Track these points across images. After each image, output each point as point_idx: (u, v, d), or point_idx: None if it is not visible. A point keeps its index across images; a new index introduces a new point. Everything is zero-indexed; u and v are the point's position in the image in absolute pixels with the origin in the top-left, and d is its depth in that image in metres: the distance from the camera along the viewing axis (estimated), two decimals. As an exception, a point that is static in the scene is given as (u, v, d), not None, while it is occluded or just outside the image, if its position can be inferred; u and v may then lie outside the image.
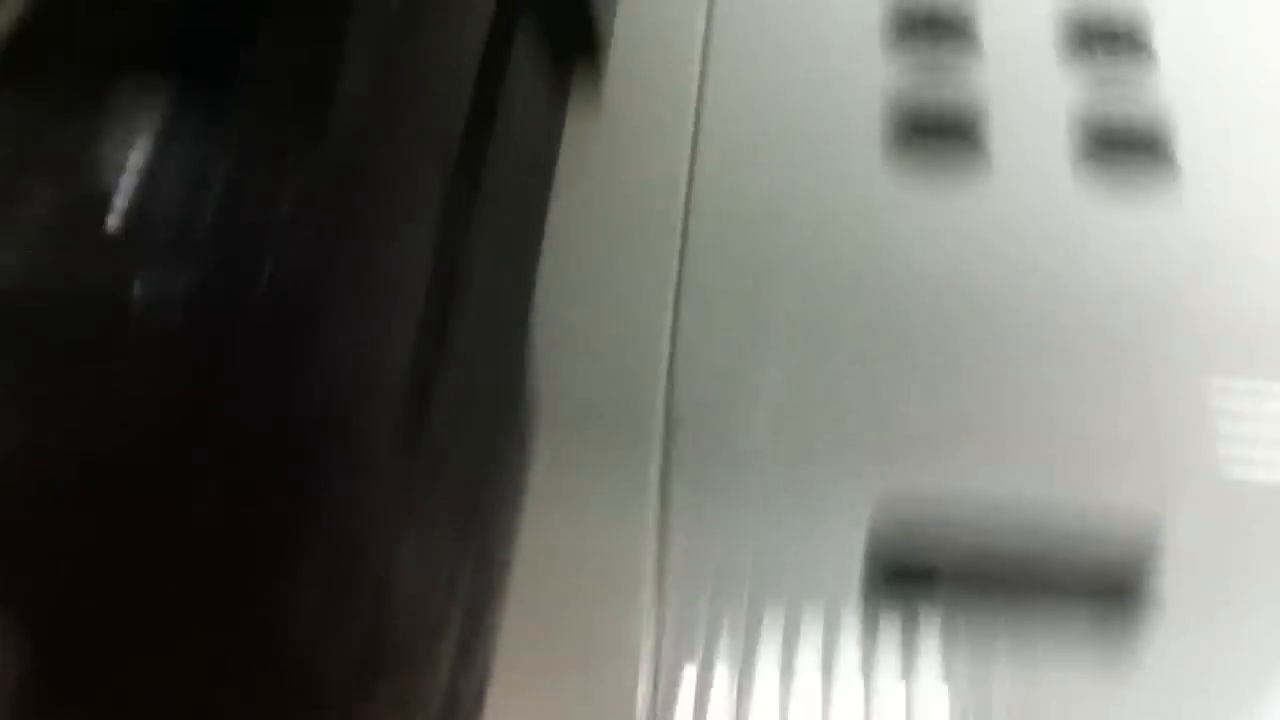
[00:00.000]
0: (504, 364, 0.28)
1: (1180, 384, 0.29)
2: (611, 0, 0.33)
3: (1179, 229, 0.31)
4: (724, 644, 0.26)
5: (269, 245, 0.23)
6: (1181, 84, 0.34)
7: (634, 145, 0.32)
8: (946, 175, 0.32)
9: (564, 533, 0.27)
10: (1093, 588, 0.27)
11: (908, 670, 0.26)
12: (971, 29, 0.35)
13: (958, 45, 0.35)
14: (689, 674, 0.26)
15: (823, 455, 0.28)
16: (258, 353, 0.22)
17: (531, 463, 0.28)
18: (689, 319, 0.30)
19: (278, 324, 0.23)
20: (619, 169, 0.32)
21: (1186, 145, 0.33)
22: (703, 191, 0.32)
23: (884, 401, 0.29)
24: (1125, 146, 0.33)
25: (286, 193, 0.24)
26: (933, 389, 0.29)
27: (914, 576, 0.27)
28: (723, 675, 0.26)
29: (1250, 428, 0.29)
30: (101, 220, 0.23)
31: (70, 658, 0.21)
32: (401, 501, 0.23)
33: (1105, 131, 0.33)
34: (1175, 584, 0.27)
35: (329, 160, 0.25)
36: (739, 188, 0.32)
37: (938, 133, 0.33)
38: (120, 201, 0.23)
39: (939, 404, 0.29)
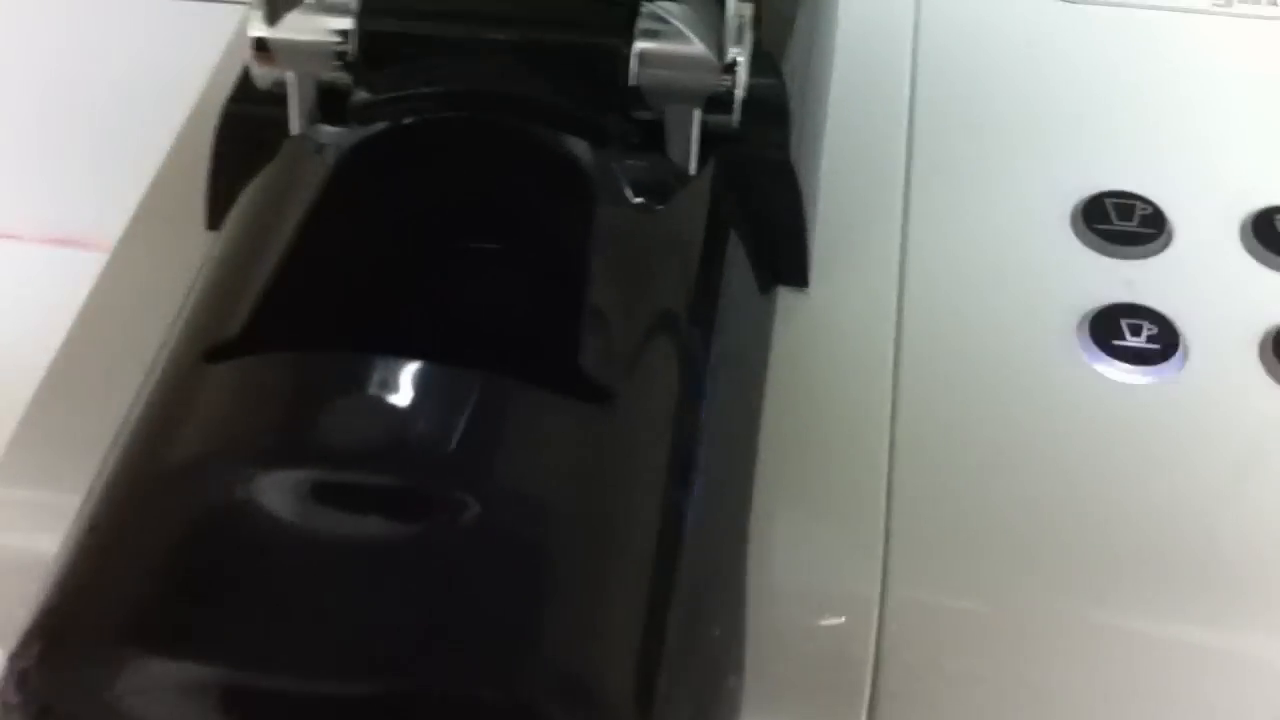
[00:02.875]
0: (727, 589, 0.27)
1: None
2: (814, 202, 0.34)
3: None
4: None
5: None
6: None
7: (839, 350, 0.32)
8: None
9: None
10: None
11: None
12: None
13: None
14: None
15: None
16: (490, 607, 0.22)
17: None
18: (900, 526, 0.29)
19: (512, 575, 0.22)
20: (825, 376, 0.32)
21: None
22: (907, 393, 0.31)
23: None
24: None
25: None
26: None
27: None
28: None
29: None
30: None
31: None
32: None
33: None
34: None
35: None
36: (941, 387, 0.32)
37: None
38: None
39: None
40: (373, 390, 0.24)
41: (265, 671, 0.21)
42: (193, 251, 0.30)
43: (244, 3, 0.30)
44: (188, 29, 0.50)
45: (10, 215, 0.45)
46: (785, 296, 0.33)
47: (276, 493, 0.22)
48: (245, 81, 0.31)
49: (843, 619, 0.28)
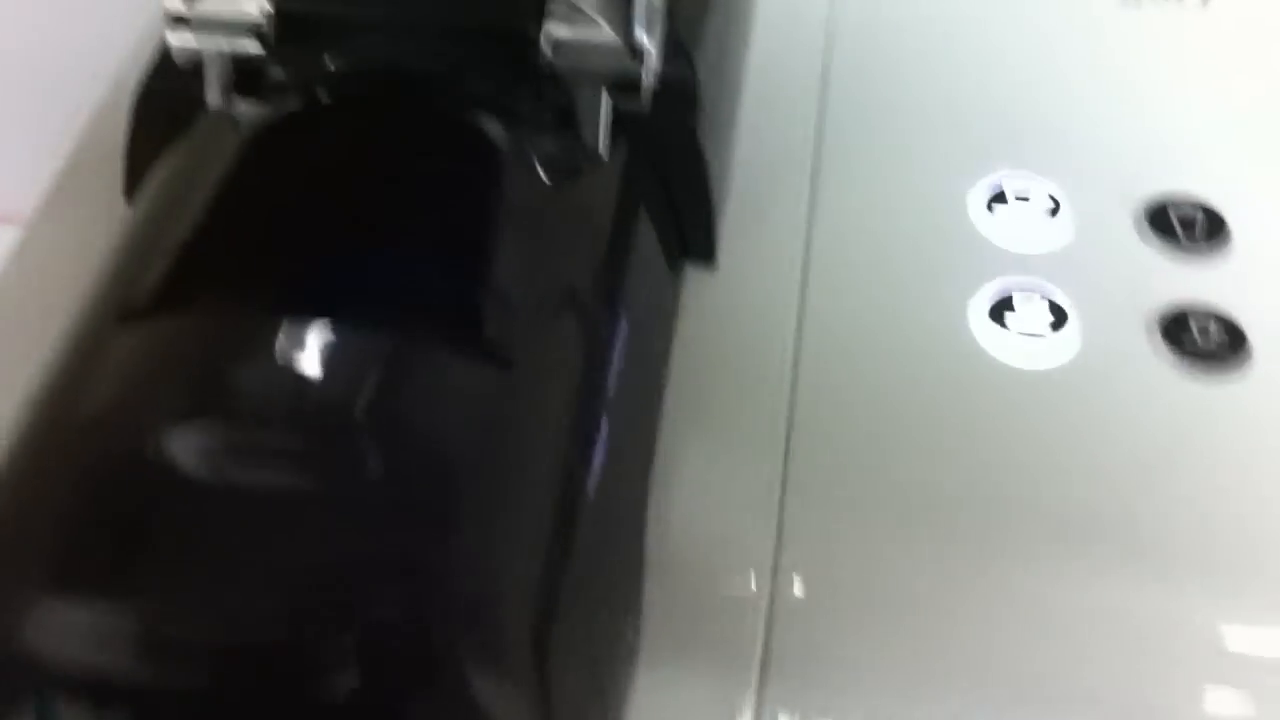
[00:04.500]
0: (626, 540, 0.28)
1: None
2: (723, 183, 0.35)
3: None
4: None
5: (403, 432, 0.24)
6: None
7: (743, 325, 0.33)
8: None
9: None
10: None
11: None
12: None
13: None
14: None
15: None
16: (394, 547, 0.22)
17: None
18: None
19: (414, 517, 0.23)
20: (729, 350, 0.33)
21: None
22: (808, 364, 0.32)
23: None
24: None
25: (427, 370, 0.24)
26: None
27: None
28: None
29: None
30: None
31: None
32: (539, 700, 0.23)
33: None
34: None
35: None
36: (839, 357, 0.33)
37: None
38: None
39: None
40: (279, 349, 0.24)
41: (173, 618, 0.21)
42: (109, 223, 0.30)
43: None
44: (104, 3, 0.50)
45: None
46: (693, 275, 0.34)
47: (182, 446, 0.23)
48: (163, 57, 0.32)
49: (738, 578, 0.29)
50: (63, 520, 0.23)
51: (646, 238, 0.32)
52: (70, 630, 0.22)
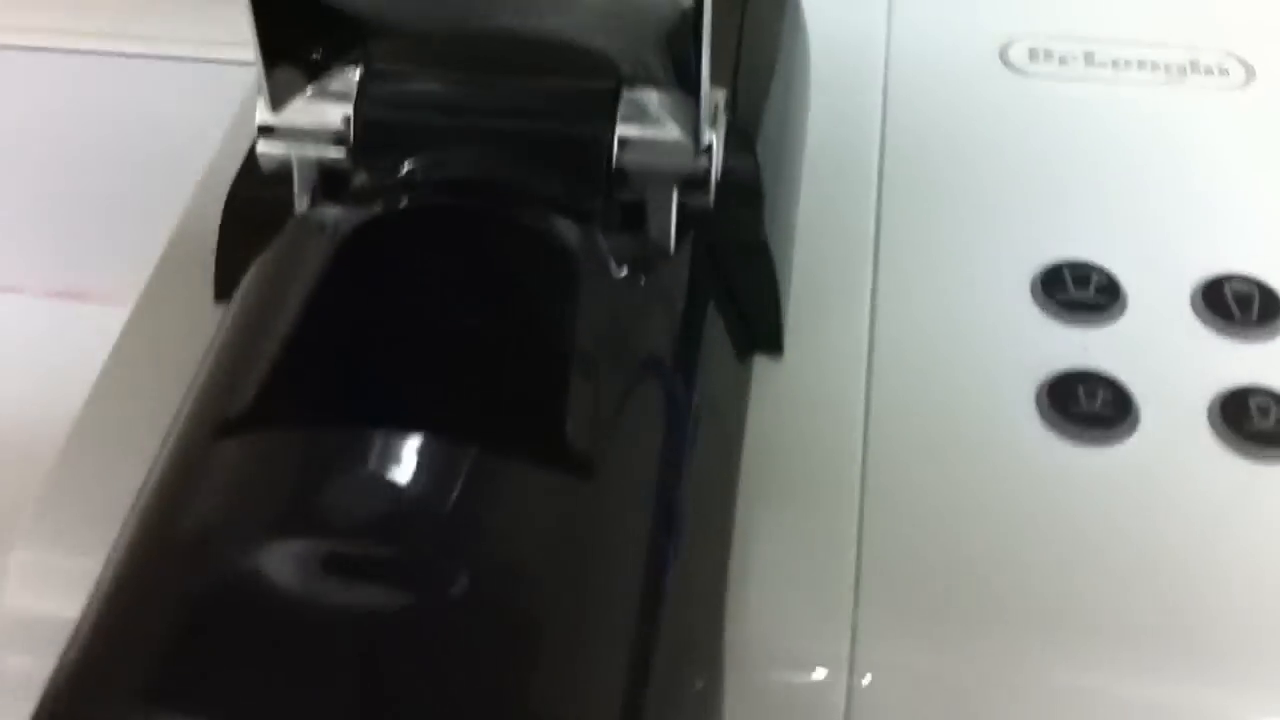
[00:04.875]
0: (706, 643, 0.29)
1: None
2: (787, 272, 0.36)
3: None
4: None
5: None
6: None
7: (812, 413, 0.34)
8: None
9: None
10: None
11: None
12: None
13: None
14: None
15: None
16: (488, 674, 0.23)
17: None
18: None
19: (506, 641, 0.24)
20: (798, 439, 0.34)
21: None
22: (876, 455, 0.33)
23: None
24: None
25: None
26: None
27: None
28: None
29: None
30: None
31: None
32: None
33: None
34: None
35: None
36: (909, 451, 0.33)
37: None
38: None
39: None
40: (369, 466, 0.25)
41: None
42: (206, 319, 0.32)
43: (250, 64, 0.32)
44: (193, 88, 0.52)
45: (14, 270, 0.47)
46: (761, 363, 0.35)
47: (280, 563, 0.24)
48: (250, 161, 0.33)
49: (815, 675, 0.30)
50: (162, 638, 0.24)
51: (716, 330, 0.33)
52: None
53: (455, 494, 0.25)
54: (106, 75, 0.54)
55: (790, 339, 0.35)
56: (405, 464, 0.25)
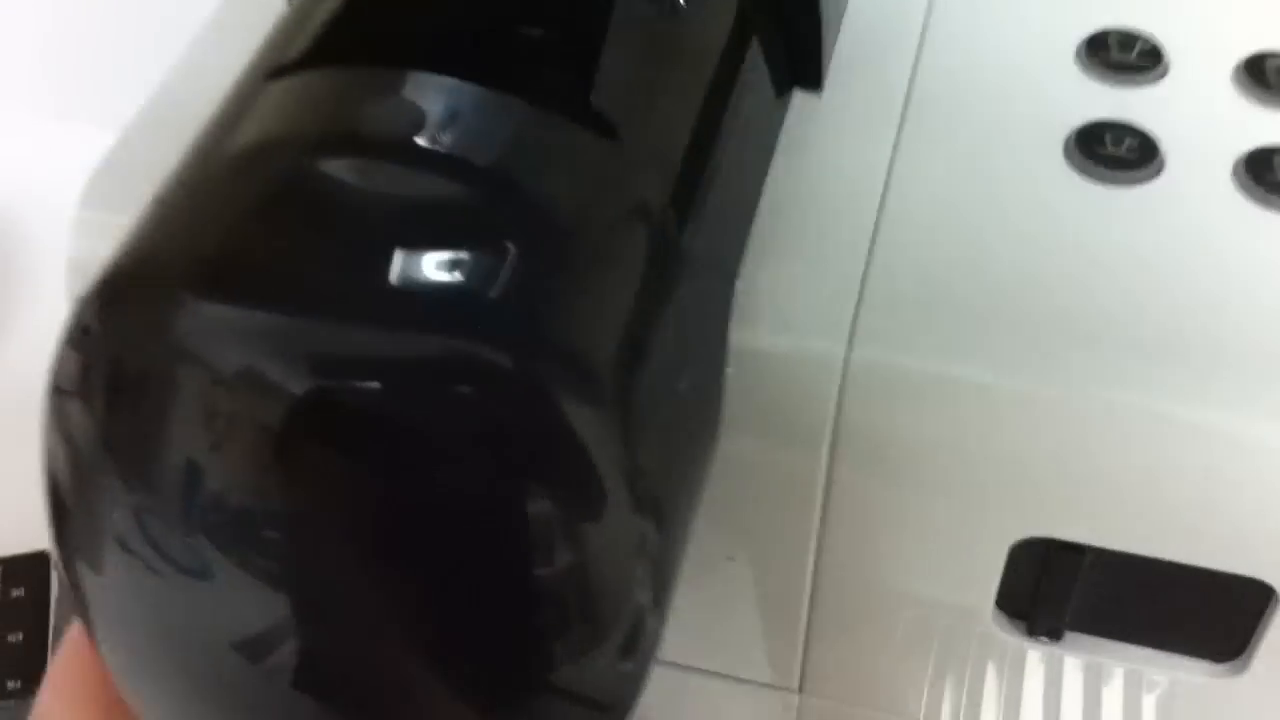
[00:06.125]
0: (711, 320, 0.31)
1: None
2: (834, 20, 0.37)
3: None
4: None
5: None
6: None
7: (842, 143, 0.36)
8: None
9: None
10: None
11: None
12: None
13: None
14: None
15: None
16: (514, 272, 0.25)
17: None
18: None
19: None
20: (826, 163, 0.35)
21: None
22: (900, 183, 0.35)
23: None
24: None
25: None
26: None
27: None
28: None
29: None
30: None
31: None
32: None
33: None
34: None
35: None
36: (934, 182, 0.35)
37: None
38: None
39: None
40: (412, 98, 0.27)
41: (308, 313, 0.24)
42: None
43: None
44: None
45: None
46: (800, 98, 0.36)
47: (325, 173, 0.26)
48: None
49: (814, 348, 0.32)
50: (206, 234, 0.25)
51: (756, 59, 0.34)
52: (211, 324, 0.24)
53: (496, 130, 0.27)
54: None
55: (833, 77, 0.36)
56: (445, 101, 0.27)
